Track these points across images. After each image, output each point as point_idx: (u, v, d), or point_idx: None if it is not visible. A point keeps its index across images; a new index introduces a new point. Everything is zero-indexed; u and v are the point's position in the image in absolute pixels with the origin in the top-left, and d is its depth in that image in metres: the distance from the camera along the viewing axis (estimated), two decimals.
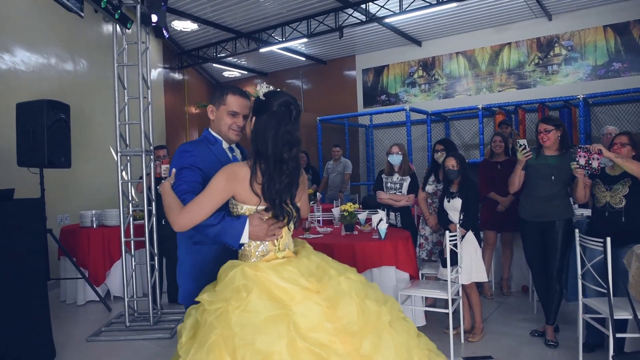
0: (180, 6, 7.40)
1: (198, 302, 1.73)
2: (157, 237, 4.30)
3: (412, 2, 6.88)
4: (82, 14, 3.95)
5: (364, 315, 1.69)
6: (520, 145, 3.50)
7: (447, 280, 3.33)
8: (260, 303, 1.60)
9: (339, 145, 7.65)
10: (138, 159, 4.29)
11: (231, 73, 10.96)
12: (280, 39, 8.31)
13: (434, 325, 3.90)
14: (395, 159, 4.33)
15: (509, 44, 8.23)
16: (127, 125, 4.36)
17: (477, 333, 3.66)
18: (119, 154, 4.21)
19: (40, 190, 4.50)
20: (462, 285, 3.58)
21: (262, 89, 1.84)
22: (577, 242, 3.12)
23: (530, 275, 4.37)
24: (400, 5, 6.96)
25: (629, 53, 7.23)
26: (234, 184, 1.75)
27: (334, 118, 8.90)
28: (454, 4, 6.94)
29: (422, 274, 3.99)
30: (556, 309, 3.50)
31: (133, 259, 4.32)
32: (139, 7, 4.13)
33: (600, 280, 2.93)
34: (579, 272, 3.11)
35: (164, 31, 4.51)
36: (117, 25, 4.24)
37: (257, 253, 1.80)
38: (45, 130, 4.26)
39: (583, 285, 3.14)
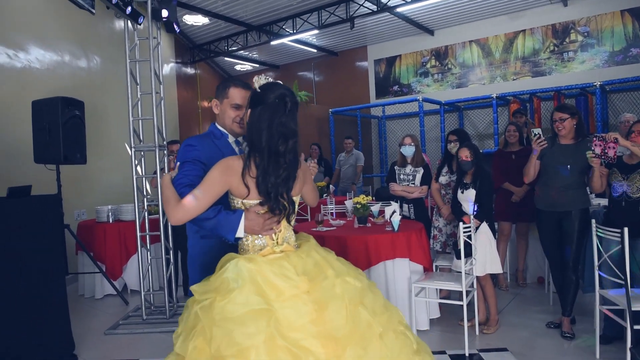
0: (191, 0, 7.41)
1: None
2: (171, 231, 4.35)
3: None
4: (94, 11, 3.97)
5: (354, 322, 1.64)
6: (535, 135, 3.45)
7: (461, 272, 3.31)
8: (245, 296, 1.59)
9: (351, 137, 7.62)
10: (152, 154, 4.33)
11: (243, 66, 10.96)
12: (291, 31, 8.27)
13: (449, 317, 3.89)
14: (408, 150, 4.30)
15: (524, 31, 8.08)
16: (140, 121, 4.39)
17: (491, 325, 3.64)
18: (132, 149, 4.25)
19: (57, 186, 4.57)
20: (477, 276, 3.56)
21: (259, 81, 1.82)
22: (594, 233, 3.07)
23: (545, 266, 4.34)
24: None
25: None
26: (229, 178, 1.74)
27: (346, 110, 8.86)
28: None
29: (436, 266, 3.98)
30: (572, 300, 3.46)
31: (149, 253, 4.38)
32: (149, 2, 4.14)
33: (617, 271, 2.89)
34: (596, 262, 3.07)
35: (175, 26, 4.51)
36: (129, 21, 4.26)
37: (254, 247, 1.79)
38: (61, 127, 4.32)
39: (600, 276, 3.10)
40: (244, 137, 2.17)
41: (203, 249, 2.03)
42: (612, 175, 3.22)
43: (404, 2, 7.08)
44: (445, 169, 4.30)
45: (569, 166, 3.39)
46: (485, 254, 3.54)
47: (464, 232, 3.34)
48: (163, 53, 4.74)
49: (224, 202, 1.81)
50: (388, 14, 7.80)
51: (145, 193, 4.42)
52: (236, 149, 2.12)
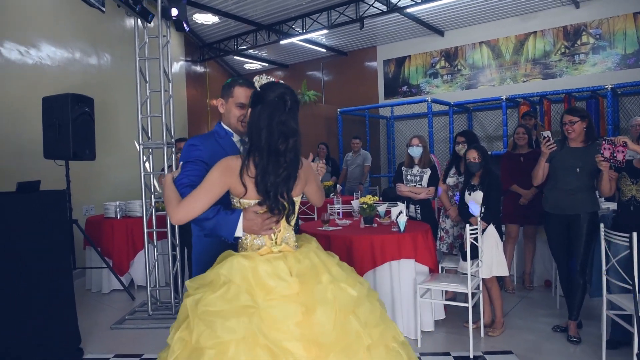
0: None
1: None
2: (178, 228, 4.37)
3: None
4: (104, 9, 4.00)
5: (342, 331, 1.61)
6: (545, 137, 3.43)
7: (467, 274, 3.30)
8: (233, 293, 1.59)
9: (358, 137, 7.61)
10: (160, 151, 4.36)
11: (252, 65, 10.99)
12: (301, 31, 8.28)
13: (454, 319, 3.88)
14: (416, 151, 4.29)
15: (535, 32, 8.03)
16: (148, 118, 4.42)
17: (497, 327, 3.62)
18: (141, 146, 4.28)
19: (66, 182, 4.61)
20: (483, 279, 3.54)
21: (260, 80, 1.82)
22: (602, 237, 3.04)
23: (553, 269, 4.31)
24: None
25: None
26: (228, 178, 1.73)
27: (355, 110, 8.85)
28: None
29: (442, 267, 3.96)
30: (579, 304, 3.43)
31: (155, 249, 4.41)
32: (159, 0, 4.16)
33: (625, 276, 2.86)
34: (604, 267, 3.04)
35: (185, 24, 4.54)
36: (139, 19, 4.29)
37: (253, 246, 1.79)
38: (70, 123, 4.36)
39: (607, 280, 3.07)
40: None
41: (206, 247, 2.04)
42: (622, 180, 3.19)
43: (414, 2, 7.06)
44: (452, 171, 4.28)
45: (578, 169, 3.36)
46: (492, 256, 3.52)
47: (471, 234, 3.33)
48: (173, 51, 4.78)
49: (224, 202, 1.81)
50: (398, 14, 7.78)
51: (152, 190, 4.45)
52: (241, 149, 2.12)
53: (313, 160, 2.22)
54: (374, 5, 7.31)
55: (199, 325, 1.57)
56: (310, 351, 1.54)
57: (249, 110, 1.81)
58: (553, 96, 7.15)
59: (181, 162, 1.97)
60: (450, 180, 4.25)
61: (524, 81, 8.16)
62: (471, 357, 3.21)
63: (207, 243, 2.03)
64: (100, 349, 3.55)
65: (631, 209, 3.10)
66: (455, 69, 8.90)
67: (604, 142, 3.09)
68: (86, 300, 4.80)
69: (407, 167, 4.40)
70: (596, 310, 3.83)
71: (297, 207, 1.86)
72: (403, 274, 3.53)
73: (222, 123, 2.17)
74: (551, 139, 3.42)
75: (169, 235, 4.33)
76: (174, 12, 4.30)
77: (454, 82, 8.94)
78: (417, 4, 7.06)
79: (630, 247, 2.80)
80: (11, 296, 2.80)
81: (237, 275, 1.63)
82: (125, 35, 6.94)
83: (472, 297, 3.33)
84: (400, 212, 3.72)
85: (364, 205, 4.05)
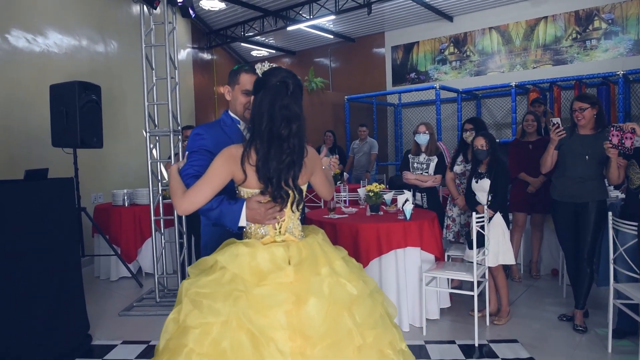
0: None
1: None
2: (185, 216, 4.39)
3: None
4: None
5: (333, 326, 1.56)
6: (554, 124, 3.39)
7: (473, 262, 3.29)
8: (227, 277, 1.60)
9: (365, 125, 7.57)
10: (167, 139, 4.37)
11: (259, 52, 10.93)
12: (308, 17, 8.20)
13: (459, 307, 3.88)
14: (422, 139, 4.26)
15: (545, 18, 7.88)
16: (155, 106, 4.42)
17: (502, 316, 3.62)
18: (147, 134, 4.29)
19: (74, 169, 4.64)
20: (489, 267, 3.53)
21: (262, 68, 1.80)
22: (610, 225, 3.01)
23: (560, 258, 4.28)
24: None
25: None
26: (231, 166, 1.72)
27: (362, 97, 8.79)
28: None
29: (448, 256, 3.96)
30: (586, 293, 3.41)
31: (163, 237, 4.44)
32: None
33: (633, 265, 2.84)
34: (611, 256, 3.02)
35: (190, 10, 4.51)
36: (144, 6, 4.27)
37: (256, 235, 1.77)
38: (78, 111, 4.36)
39: (615, 269, 3.05)
40: None
41: (214, 235, 2.04)
42: (630, 167, 3.14)
43: None
44: (460, 158, 4.25)
45: (587, 157, 3.32)
46: (498, 244, 3.50)
47: (477, 222, 3.31)
48: (179, 38, 4.75)
49: (229, 191, 1.80)
50: None
51: (160, 177, 4.46)
52: (247, 136, 2.11)
53: (325, 155, 2.20)
54: None
55: (187, 305, 1.60)
56: (295, 341, 1.52)
57: (252, 97, 1.79)
58: (563, 83, 7.05)
59: (187, 152, 1.97)
60: (458, 168, 4.22)
61: (534, 67, 8.04)
62: (476, 345, 3.21)
63: (215, 231, 2.03)
64: (109, 335, 3.60)
65: (639, 197, 3.06)
66: (464, 55, 8.79)
67: (612, 128, 3.05)
68: (95, 288, 4.86)
69: (414, 154, 4.37)
70: (603, 300, 3.81)
71: (303, 196, 1.82)
72: (409, 262, 3.53)
73: (229, 111, 2.16)
74: (561, 125, 3.38)
75: (176, 223, 4.36)
76: None
77: (463, 68, 8.83)
78: None
79: (639, 236, 2.77)
80: (20, 283, 2.83)
81: (234, 261, 1.63)
82: (132, 22, 6.91)
83: (478, 286, 3.32)
84: (407, 200, 3.71)
85: (370, 193, 4.04)
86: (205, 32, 9.63)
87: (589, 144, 3.32)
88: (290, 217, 1.80)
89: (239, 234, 1.85)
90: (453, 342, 3.30)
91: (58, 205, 3.22)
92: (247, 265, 1.62)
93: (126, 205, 5.23)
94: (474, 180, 3.72)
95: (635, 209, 3.07)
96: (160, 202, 4.44)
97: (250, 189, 1.76)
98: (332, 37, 9.74)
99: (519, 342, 3.25)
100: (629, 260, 2.86)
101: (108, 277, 5.15)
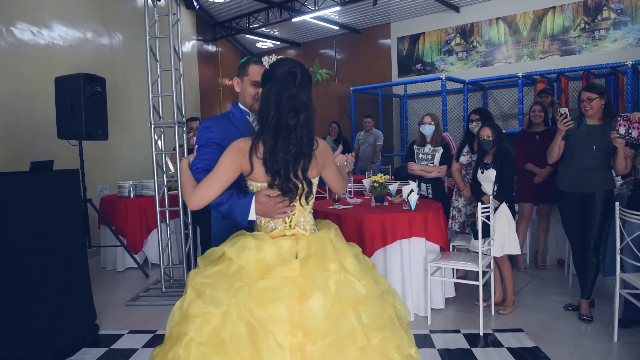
0: None
1: None
2: None
3: None
4: None
5: (336, 324, 1.53)
6: (561, 114, 3.36)
7: (478, 252, 3.28)
8: (232, 269, 1.60)
9: (370, 116, 7.55)
10: (171, 130, 4.37)
11: (264, 44, 10.90)
12: (313, 8, 8.16)
13: (464, 297, 3.88)
14: (428, 129, 4.24)
15: (553, 8, 7.79)
16: (160, 98, 4.42)
17: (508, 306, 3.61)
18: (152, 125, 4.30)
19: (80, 161, 4.66)
20: (494, 257, 3.52)
21: (269, 61, 1.77)
22: (617, 215, 2.99)
23: (566, 248, 4.26)
24: None
25: None
26: (240, 160, 1.69)
27: (368, 88, 8.75)
28: None
29: (453, 246, 3.95)
30: (592, 283, 3.40)
31: (168, 227, 4.46)
32: None
33: (639, 255, 2.82)
34: (618, 246, 3.00)
35: (194, 2, 4.50)
36: None
37: (266, 229, 1.75)
38: (83, 103, 4.38)
39: (621, 259, 3.03)
40: None
41: (224, 227, 2.04)
42: (638, 158, 3.11)
43: None
44: (466, 149, 4.22)
45: (594, 147, 3.29)
46: (504, 234, 3.49)
47: (483, 213, 3.29)
48: (184, 30, 4.74)
49: (239, 185, 1.79)
50: None
51: (165, 169, 4.47)
52: (256, 129, 2.10)
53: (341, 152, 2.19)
54: None
55: (191, 294, 1.60)
56: (295, 335, 1.49)
57: (260, 90, 1.77)
58: (571, 73, 6.98)
59: (196, 146, 1.97)
60: (464, 159, 4.20)
61: (542, 58, 7.96)
62: (481, 334, 3.21)
63: (224, 223, 2.03)
64: (115, 325, 3.63)
65: None
66: (471, 46, 8.72)
67: (619, 118, 3.02)
68: (101, 278, 4.90)
69: (419, 145, 4.35)
70: (609, 290, 3.79)
71: (314, 189, 1.79)
72: (413, 252, 3.52)
73: (238, 103, 2.15)
74: (568, 115, 3.34)
75: (181, 214, 4.37)
76: None
77: (469, 59, 8.77)
78: None
79: None
80: (27, 274, 2.85)
81: (241, 253, 1.62)
82: (136, 15, 6.92)
83: (483, 276, 3.32)
84: (412, 191, 3.69)
85: (375, 184, 4.03)
86: (210, 24, 9.61)
87: (596, 135, 3.29)
88: (301, 211, 1.76)
89: (250, 227, 1.84)
90: (458, 331, 3.30)
91: (64, 196, 3.23)
92: (253, 258, 1.61)
93: (132, 196, 5.25)
94: (479, 171, 3.70)
95: None
96: (166, 193, 4.45)
97: (259, 182, 1.73)
98: (337, 28, 9.69)
99: (524, 331, 3.25)
100: (635, 250, 2.84)
101: (114, 268, 5.18)
